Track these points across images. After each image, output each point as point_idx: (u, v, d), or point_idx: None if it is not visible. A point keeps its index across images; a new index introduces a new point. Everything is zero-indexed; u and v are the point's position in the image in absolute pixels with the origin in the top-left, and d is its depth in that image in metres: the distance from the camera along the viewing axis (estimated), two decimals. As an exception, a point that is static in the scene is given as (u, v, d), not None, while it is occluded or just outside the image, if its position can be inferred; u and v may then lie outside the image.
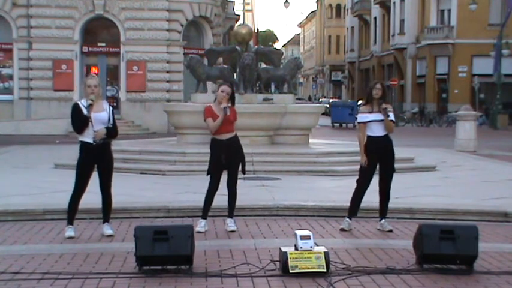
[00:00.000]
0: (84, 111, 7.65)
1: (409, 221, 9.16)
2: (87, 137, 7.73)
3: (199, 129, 13.80)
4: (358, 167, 8.63)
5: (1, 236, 8.07)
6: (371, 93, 8.36)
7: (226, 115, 8.11)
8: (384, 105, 8.27)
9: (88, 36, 30.93)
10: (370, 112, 8.35)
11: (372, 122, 8.35)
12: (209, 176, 8.35)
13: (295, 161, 14.08)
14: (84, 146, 7.79)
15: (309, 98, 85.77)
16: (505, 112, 38.81)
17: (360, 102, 34.52)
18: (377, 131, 8.35)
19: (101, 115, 7.74)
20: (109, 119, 7.79)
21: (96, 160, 7.82)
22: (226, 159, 8.21)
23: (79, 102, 7.80)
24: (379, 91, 8.32)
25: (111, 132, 7.83)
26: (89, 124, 7.66)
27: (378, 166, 8.51)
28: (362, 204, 8.86)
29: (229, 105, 8.18)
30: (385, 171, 8.46)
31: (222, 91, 8.24)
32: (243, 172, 8.45)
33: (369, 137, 8.39)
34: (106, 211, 8.06)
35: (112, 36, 30.77)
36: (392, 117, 8.40)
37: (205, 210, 8.36)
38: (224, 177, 8.37)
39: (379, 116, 8.30)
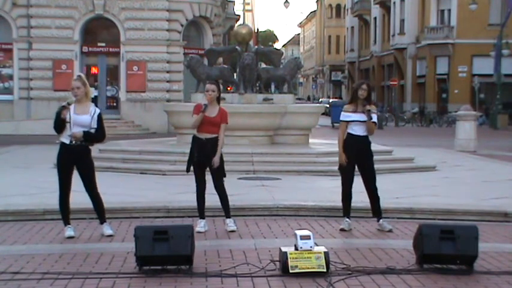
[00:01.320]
0: (66, 114, 7.64)
1: (409, 221, 9.16)
2: (65, 138, 7.74)
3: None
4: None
5: (1, 236, 8.07)
6: (356, 93, 8.39)
7: (205, 112, 8.18)
8: (367, 107, 8.30)
9: (88, 36, 30.93)
10: (354, 111, 8.38)
11: (354, 121, 8.38)
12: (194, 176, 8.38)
13: (295, 161, 14.08)
14: (62, 146, 7.81)
15: (308, 98, 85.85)
16: (505, 112, 38.83)
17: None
18: (358, 130, 8.39)
19: (81, 118, 7.70)
20: (92, 123, 7.75)
21: (74, 162, 7.81)
22: (199, 158, 8.21)
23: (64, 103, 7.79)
24: (365, 92, 8.34)
25: (92, 136, 7.78)
26: (66, 125, 7.66)
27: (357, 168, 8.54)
28: (362, 204, 8.88)
29: (209, 104, 8.21)
30: (365, 172, 8.49)
31: (207, 90, 8.37)
32: (223, 175, 8.41)
33: (349, 134, 8.43)
34: (99, 212, 8.06)
35: (112, 36, 30.77)
36: (374, 118, 8.40)
37: (201, 210, 8.38)
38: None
39: (362, 117, 8.33)
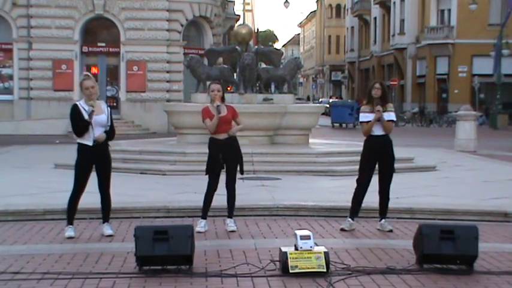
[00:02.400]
0: (85, 115, 7.64)
1: (409, 221, 9.16)
2: (87, 140, 7.72)
3: (199, 129, 13.78)
4: (357, 167, 8.65)
5: (1, 236, 8.07)
6: (370, 93, 8.40)
7: (221, 113, 8.15)
8: (378, 107, 8.29)
9: (88, 36, 30.93)
10: (371, 112, 8.38)
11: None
12: (207, 175, 8.36)
13: (295, 161, 14.08)
14: (82, 147, 7.79)
15: (308, 98, 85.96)
16: (505, 112, 38.82)
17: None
18: (376, 130, 8.40)
19: (100, 118, 7.73)
20: (108, 121, 7.80)
21: (94, 161, 7.83)
22: (223, 158, 8.22)
23: (78, 104, 7.76)
24: (378, 91, 8.37)
25: (110, 135, 7.86)
26: (89, 128, 7.66)
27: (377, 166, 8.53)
28: (362, 204, 8.85)
29: (221, 104, 8.19)
30: (384, 172, 8.48)
31: (212, 90, 8.32)
32: (241, 172, 8.44)
33: (369, 135, 8.43)
34: (105, 211, 8.06)
35: (112, 36, 30.77)
36: (390, 117, 8.40)
37: (205, 210, 8.36)
38: (223, 177, 8.38)
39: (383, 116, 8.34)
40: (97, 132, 7.69)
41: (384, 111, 8.33)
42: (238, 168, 8.39)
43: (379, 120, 8.31)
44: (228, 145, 8.28)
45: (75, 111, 7.71)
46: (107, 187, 7.96)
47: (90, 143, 7.72)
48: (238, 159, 8.36)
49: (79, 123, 7.68)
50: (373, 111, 8.35)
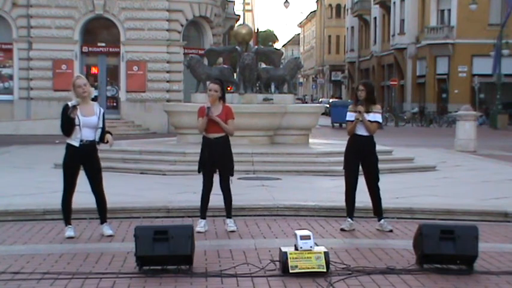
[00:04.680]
0: (76, 113, 7.63)
1: (409, 221, 9.16)
2: (74, 141, 7.72)
3: (199, 129, 13.83)
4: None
5: (1, 236, 8.07)
6: (356, 95, 8.51)
7: (209, 115, 8.14)
8: (359, 107, 8.34)
9: (88, 36, 30.92)
10: (356, 111, 8.44)
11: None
12: (202, 174, 8.38)
13: (295, 161, 14.08)
14: (69, 148, 7.81)
15: (304, 98, 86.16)
16: (505, 112, 38.82)
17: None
18: (360, 130, 8.48)
19: (90, 119, 7.72)
20: (99, 123, 7.79)
21: (81, 161, 7.83)
22: (209, 157, 8.23)
23: (69, 104, 7.75)
24: (363, 92, 8.46)
25: (102, 137, 7.87)
26: (76, 127, 7.65)
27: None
28: (361, 204, 8.87)
29: (211, 105, 8.19)
30: (368, 172, 8.54)
31: (210, 89, 8.35)
32: (231, 173, 8.41)
33: (354, 134, 8.48)
34: (102, 212, 8.05)
35: (112, 36, 30.77)
36: (375, 118, 8.45)
37: (203, 210, 8.37)
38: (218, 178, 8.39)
39: (364, 116, 8.38)
40: (85, 133, 7.68)
41: (369, 112, 8.37)
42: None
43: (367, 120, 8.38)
44: (218, 144, 8.27)
45: (64, 111, 7.71)
46: (98, 188, 7.95)
47: (77, 144, 7.72)
48: (226, 159, 8.33)
49: (66, 123, 7.69)
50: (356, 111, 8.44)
